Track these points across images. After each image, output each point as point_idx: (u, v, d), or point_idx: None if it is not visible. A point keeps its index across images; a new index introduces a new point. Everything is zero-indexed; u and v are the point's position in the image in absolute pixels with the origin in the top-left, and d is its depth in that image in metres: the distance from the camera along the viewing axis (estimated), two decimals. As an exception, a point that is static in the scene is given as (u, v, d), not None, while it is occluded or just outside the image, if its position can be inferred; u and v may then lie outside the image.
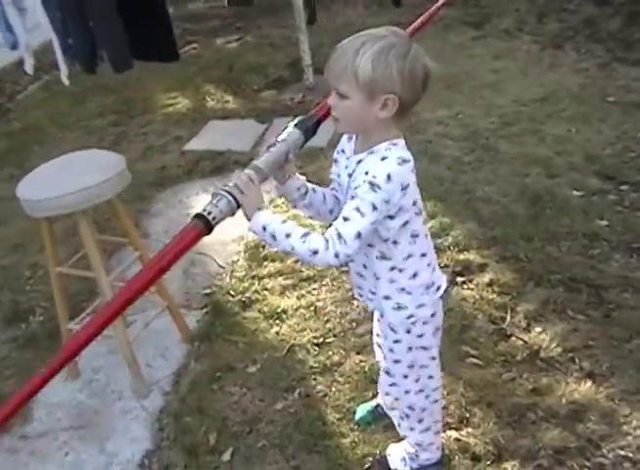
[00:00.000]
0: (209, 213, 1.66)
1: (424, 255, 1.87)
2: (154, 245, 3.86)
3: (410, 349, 1.98)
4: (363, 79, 1.63)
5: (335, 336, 2.93)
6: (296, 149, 1.86)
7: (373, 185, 1.65)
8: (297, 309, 3.11)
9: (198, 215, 1.66)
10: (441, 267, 3.17)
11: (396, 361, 2.03)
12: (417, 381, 2.06)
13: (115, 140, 5.28)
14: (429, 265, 1.90)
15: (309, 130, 1.88)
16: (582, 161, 4.01)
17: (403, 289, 1.88)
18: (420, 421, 2.17)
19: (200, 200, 4.28)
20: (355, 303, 3.08)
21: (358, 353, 2.81)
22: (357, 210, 1.67)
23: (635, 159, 3.98)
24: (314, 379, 2.72)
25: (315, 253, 1.68)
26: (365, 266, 1.91)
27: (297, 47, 5.57)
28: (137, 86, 6.10)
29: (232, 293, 3.31)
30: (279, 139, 1.85)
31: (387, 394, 2.15)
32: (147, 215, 4.20)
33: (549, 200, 3.64)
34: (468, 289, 3.08)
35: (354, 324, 2.98)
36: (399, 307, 1.91)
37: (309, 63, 5.55)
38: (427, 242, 1.89)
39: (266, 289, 3.29)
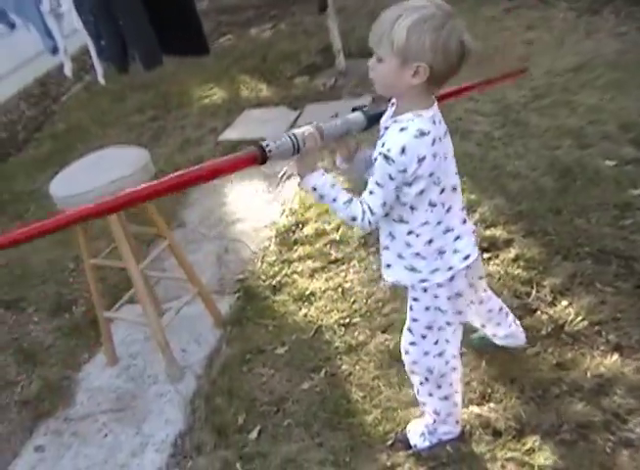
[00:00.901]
0: (267, 146, 1.85)
1: (439, 223, 1.97)
2: (190, 234, 3.97)
3: (427, 308, 2.10)
4: (397, 46, 1.76)
5: (361, 316, 2.96)
6: (357, 130, 2.05)
7: (387, 158, 1.81)
8: (324, 291, 3.16)
9: (257, 145, 1.85)
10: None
11: (415, 320, 2.14)
12: (436, 343, 2.15)
13: (154, 134, 5.40)
14: (445, 233, 1.99)
15: (373, 118, 2.04)
16: (616, 129, 3.89)
17: (418, 254, 2.01)
18: (439, 387, 2.22)
19: (234, 188, 4.35)
20: (382, 283, 3.11)
21: (384, 332, 2.84)
22: (377, 183, 1.86)
23: (673, 124, 3.85)
24: (340, 359, 2.76)
25: (354, 219, 1.92)
26: (391, 231, 2.03)
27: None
28: (173, 81, 6.20)
29: (263, 277, 3.37)
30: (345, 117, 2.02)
31: (406, 352, 2.22)
32: (183, 206, 4.29)
33: (579, 171, 3.57)
34: (494, 265, 3.06)
35: (380, 304, 3.00)
36: (413, 270, 2.03)
37: (340, 47, 5.56)
38: (445, 211, 1.97)
39: (296, 272, 3.35)
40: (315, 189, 1.93)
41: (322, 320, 2.99)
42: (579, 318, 2.70)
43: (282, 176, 4.30)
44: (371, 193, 1.88)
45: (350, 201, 1.90)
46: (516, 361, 2.57)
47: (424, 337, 2.15)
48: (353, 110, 2.10)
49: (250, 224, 3.93)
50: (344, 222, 2.14)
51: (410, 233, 1.98)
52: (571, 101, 4.25)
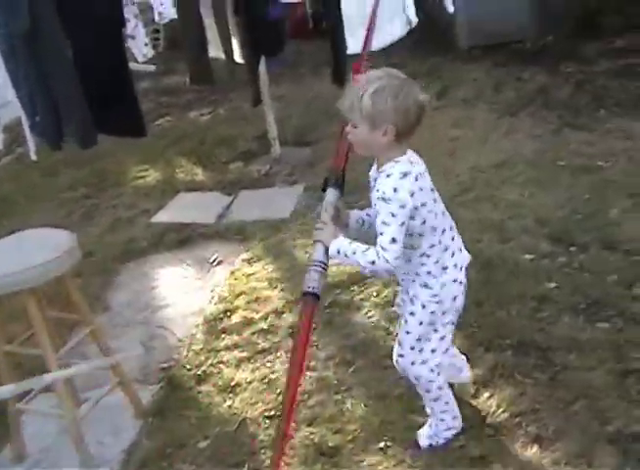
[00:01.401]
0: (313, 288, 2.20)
1: (440, 243, 2.39)
2: (115, 319, 3.92)
3: (421, 323, 2.46)
4: (365, 113, 2.16)
5: (286, 408, 2.96)
6: (339, 200, 2.46)
7: (385, 200, 2.20)
8: (250, 382, 3.15)
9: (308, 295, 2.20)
10: (393, 336, 3.27)
11: (408, 332, 2.50)
12: (420, 352, 2.50)
13: (85, 213, 5.37)
14: (445, 251, 2.41)
15: (339, 184, 2.49)
16: (534, 224, 4.11)
17: (430, 272, 2.40)
18: (428, 391, 2.59)
19: (164, 273, 4.35)
20: (309, 374, 3.13)
21: (309, 425, 2.84)
22: (383, 222, 2.21)
23: (583, 220, 4.10)
24: (264, 453, 2.74)
25: (373, 263, 2.23)
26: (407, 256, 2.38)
27: (266, 120, 5.73)
28: (109, 159, 6.21)
29: (188, 366, 3.35)
30: (325, 201, 2.44)
31: (396, 362, 2.59)
32: (111, 288, 4.25)
33: (500, 264, 3.73)
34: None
35: (306, 396, 3.01)
36: (426, 286, 2.42)
37: (275, 135, 5.70)
38: (441, 233, 2.39)
39: (222, 362, 3.34)
40: (339, 251, 2.27)
41: (247, 412, 2.98)
42: (501, 410, 2.78)
43: (212, 262, 4.32)
44: (381, 234, 2.22)
45: (367, 249, 2.24)
46: (438, 455, 2.60)
47: (412, 348, 2.51)
48: (323, 190, 2.50)
49: (177, 310, 3.92)
50: (369, 272, 2.38)
51: (422, 255, 2.38)
52: (494, 196, 4.44)
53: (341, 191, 2.48)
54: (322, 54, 6.07)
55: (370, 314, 3.51)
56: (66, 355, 2.85)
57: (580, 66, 7.06)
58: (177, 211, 5.17)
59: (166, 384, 3.27)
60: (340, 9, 4.36)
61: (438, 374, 2.56)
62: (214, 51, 4.65)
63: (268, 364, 3.27)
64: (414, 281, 2.45)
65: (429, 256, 2.38)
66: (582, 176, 4.66)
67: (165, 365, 3.41)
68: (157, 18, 4.88)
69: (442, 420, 2.66)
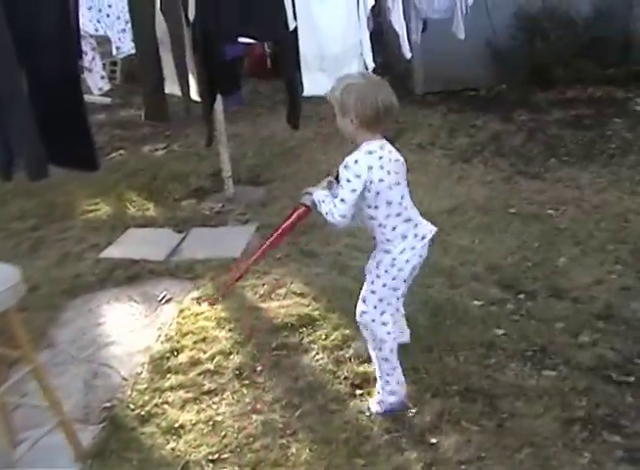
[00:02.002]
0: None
1: (399, 214, 2.79)
2: (58, 356, 3.82)
3: (384, 285, 2.89)
4: (337, 104, 2.71)
5: (231, 452, 2.91)
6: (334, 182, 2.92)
7: (345, 167, 2.70)
8: (195, 424, 3.09)
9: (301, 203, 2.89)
10: (341, 379, 3.26)
11: (372, 292, 2.92)
12: (382, 314, 2.92)
13: (33, 245, 5.25)
14: (406, 221, 2.81)
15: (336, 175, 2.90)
16: (484, 270, 4.18)
17: (389, 240, 2.83)
18: (380, 349, 2.96)
19: (111, 309, 4.27)
20: (254, 417, 3.09)
21: (253, 469, 2.80)
22: (340, 186, 2.73)
23: (532, 268, 4.18)
24: (206, 497, 2.69)
25: (327, 213, 2.76)
26: (369, 226, 2.87)
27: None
28: (60, 191, 6.11)
29: (132, 406, 3.26)
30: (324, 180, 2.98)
31: (360, 317, 2.98)
32: (56, 324, 4.14)
33: (450, 310, 3.76)
34: (366, 401, 3.12)
35: (251, 439, 2.96)
36: (386, 251, 2.85)
37: (229, 174, 5.70)
38: (402, 206, 2.79)
39: (167, 402, 3.26)
40: (318, 200, 2.80)
41: (190, 455, 2.91)
42: (447, 457, 2.77)
43: (161, 300, 4.25)
44: (336, 196, 2.74)
45: (330, 202, 2.75)
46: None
47: (375, 307, 2.92)
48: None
49: (123, 348, 3.83)
50: (329, 222, 2.82)
51: (380, 225, 2.81)
52: (445, 241, 4.48)
53: (337, 178, 2.87)
54: (279, 93, 6.15)
55: (318, 357, 3.48)
56: (4, 393, 2.75)
57: (533, 114, 7.27)
58: (127, 246, 5.09)
59: (109, 424, 3.17)
60: (297, 51, 4.40)
61: (394, 339, 2.97)
62: (171, 87, 4.63)
63: (214, 406, 3.21)
64: (378, 248, 2.89)
65: (385, 225, 2.80)
66: (532, 224, 4.75)
67: (108, 404, 3.32)
68: (114, 52, 4.87)
69: (388, 382, 3.00)
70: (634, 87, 7.59)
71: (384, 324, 2.93)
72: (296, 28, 4.29)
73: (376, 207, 2.77)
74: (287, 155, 6.58)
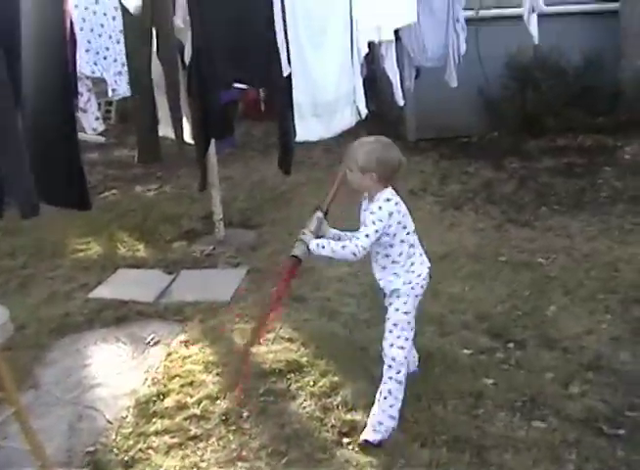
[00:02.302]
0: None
1: (409, 248, 3.22)
2: (43, 397, 3.77)
3: (397, 310, 3.22)
4: (359, 164, 3.09)
5: (215, 499, 2.87)
6: (323, 219, 3.27)
7: (372, 213, 3.08)
8: (179, 470, 3.05)
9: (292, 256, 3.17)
10: (328, 427, 3.23)
11: (388, 318, 3.25)
12: (398, 338, 3.21)
13: (22, 283, 5.22)
14: (409, 258, 3.22)
15: (326, 210, 3.30)
16: (474, 319, 4.17)
17: (396, 273, 3.21)
18: (398, 373, 3.20)
19: (98, 350, 4.23)
20: (240, 464, 3.04)
21: (237, 519, 2.75)
22: (365, 225, 3.10)
23: (522, 317, 4.18)
24: None
25: (343, 247, 3.06)
26: (381, 264, 3.24)
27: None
28: (51, 228, 6.10)
29: (116, 451, 3.21)
30: (313, 216, 3.27)
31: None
32: (41, 364, 4.09)
33: (439, 358, 3.74)
34: (352, 451, 3.08)
35: (236, 487, 2.93)
36: (392, 282, 3.24)
37: (220, 217, 5.71)
38: (409, 246, 3.21)
39: (151, 447, 3.21)
40: (318, 245, 3.11)
41: (173, 503, 2.86)
42: (433, 510, 2.73)
43: (149, 342, 4.22)
44: (357, 238, 3.07)
45: (345, 246, 3.07)
46: None
47: (390, 332, 3.23)
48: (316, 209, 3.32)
49: (109, 390, 3.79)
50: (339, 257, 3.11)
51: (393, 262, 3.20)
52: (435, 289, 4.46)
53: (325, 214, 3.28)
54: (272, 137, 6.19)
55: (305, 404, 3.44)
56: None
57: (524, 162, 7.35)
58: (116, 287, 5.07)
59: (92, 469, 3.12)
60: (290, 96, 4.44)
61: (408, 363, 3.29)
62: (165, 130, 4.67)
63: (199, 452, 3.16)
64: (390, 281, 3.24)
65: (398, 262, 3.20)
66: (523, 272, 4.76)
67: (92, 449, 3.26)
68: (110, 93, 4.90)
69: (392, 406, 3.20)
70: (623, 136, 7.69)
71: (401, 348, 3.21)
72: (290, 74, 4.33)
73: (391, 245, 3.17)
74: (278, 199, 6.61)
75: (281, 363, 3.79)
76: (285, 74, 4.23)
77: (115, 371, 3.98)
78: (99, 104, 6.00)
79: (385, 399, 3.19)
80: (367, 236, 3.07)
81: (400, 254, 3.19)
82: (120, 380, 3.87)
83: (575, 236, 5.43)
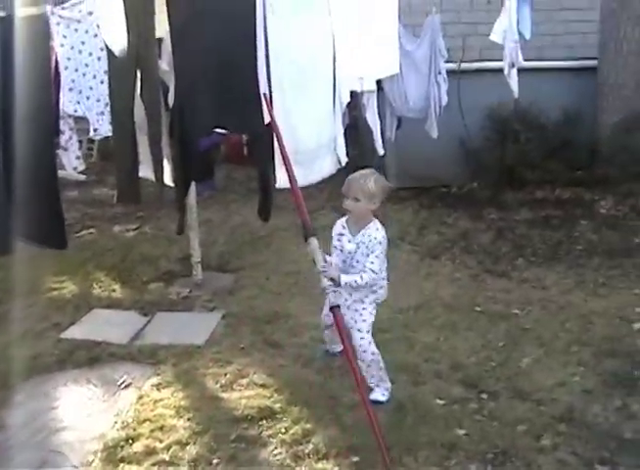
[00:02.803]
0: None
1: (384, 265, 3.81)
2: (7, 440, 3.69)
3: (371, 313, 3.81)
4: (369, 193, 3.60)
5: None
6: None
7: (380, 243, 3.65)
8: (143, 520, 2.99)
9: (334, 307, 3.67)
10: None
11: (364, 320, 3.78)
12: (370, 334, 3.78)
13: (-6, 320, 5.17)
14: (383, 279, 3.85)
15: (315, 234, 3.84)
16: (448, 368, 4.16)
17: (376, 284, 3.77)
18: (377, 362, 3.79)
19: (68, 392, 4.16)
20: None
21: None
22: (376, 256, 3.64)
23: (496, 368, 4.18)
24: None
25: (362, 278, 3.61)
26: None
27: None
28: (27, 266, 6.03)
29: (79, 497, 3.16)
30: (314, 246, 3.80)
31: (360, 345, 3.76)
32: (8, 406, 4.02)
33: (412, 408, 3.72)
34: (322, 500, 3.05)
35: None
36: (373, 291, 3.80)
37: (199, 260, 5.70)
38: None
39: (117, 494, 3.16)
40: (346, 282, 3.60)
41: None
42: None
43: (120, 384, 4.16)
44: (372, 262, 3.63)
45: (362, 276, 3.61)
46: None
47: (368, 331, 3.77)
48: (305, 239, 3.87)
49: (76, 434, 3.71)
50: (358, 284, 3.63)
51: (376, 276, 3.68)
52: (410, 338, 4.49)
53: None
54: (253, 181, 6.20)
55: (276, 452, 3.40)
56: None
57: (502, 213, 7.42)
58: (90, 327, 5.01)
59: (54, 516, 3.06)
60: (272, 144, 4.47)
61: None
62: (145, 171, 4.68)
63: (165, 500, 3.11)
64: (366, 290, 3.76)
65: (380, 275, 3.74)
66: (498, 323, 4.78)
67: (54, 496, 3.20)
68: (92, 133, 4.93)
69: (382, 379, 3.84)
70: (600, 190, 7.78)
71: (372, 343, 3.78)
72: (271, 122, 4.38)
73: (380, 267, 3.69)
74: (257, 243, 6.61)
75: (253, 409, 3.76)
76: (266, 122, 4.27)
77: (85, 414, 3.92)
78: (80, 141, 6.01)
79: (378, 379, 3.84)
80: (378, 266, 3.66)
81: (381, 269, 3.74)
82: (89, 423, 3.81)
83: (551, 288, 5.47)
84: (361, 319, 3.76)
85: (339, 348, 4.09)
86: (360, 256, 3.69)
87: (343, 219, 3.80)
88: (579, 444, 3.43)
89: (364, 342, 3.75)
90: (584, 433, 3.52)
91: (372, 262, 3.61)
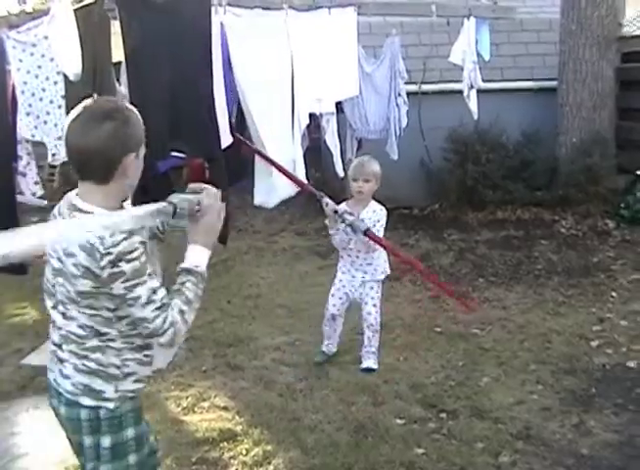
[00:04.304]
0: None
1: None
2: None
3: (379, 288, 4.47)
4: (378, 173, 4.36)
5: None
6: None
7: (385, 215, 4.38)
8: None
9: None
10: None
11: (377, 294, 4.48)
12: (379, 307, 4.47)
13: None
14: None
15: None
16: (407, 389, 4.21)
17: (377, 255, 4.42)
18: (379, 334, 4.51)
19: (29, 418, 4.12)
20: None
21: None
22: (382, 225, 4.36)
23: (455, 387, 4.24)
24: None
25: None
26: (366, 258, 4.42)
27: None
28: (-13, 292, 6.01)
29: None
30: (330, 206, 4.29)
31: (374, 318, 4.47)
32: (-33, 434, 3.99)
33: (372, 428, 3.76)
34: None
35: None
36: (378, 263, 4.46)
37: (160, 283, 5.66)
38: None
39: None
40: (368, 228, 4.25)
41: None
42: None
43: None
44: (378, 231, 4.31)
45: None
46: None
47: (379, 305, 4.46)
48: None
49: (37, 460, 3.69)
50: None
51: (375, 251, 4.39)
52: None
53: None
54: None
55: (237, 475, 3.41)
56: None
57: (463, 234, 7.50)
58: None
59: None
60: (232, 166, 4.49)
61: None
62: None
63: (124, 526, 3.07)
64: (375, 262, 4.42)
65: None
66: (458, 343, 4.84)
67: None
68: (50, 158, 4.91)
69: (377, 352, 4.46)
70: (560, 210, 7.91)
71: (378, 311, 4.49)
72: (229, 145, 4.41)
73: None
74: (219, 266, 6.60)
75: (214, 432, 3.76)
76: (224, 146, 4.29)
77: (46, 440, 3.88)
78: (40, 166, 5.98)
79: (375, 346, 4.48)
80: (378, 231, 4.27)
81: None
82: (50, 449, 3.77)
83: (511, 307, 5.55)
84: (376, 295, 4.44)
85: (334, 348, 4.63)
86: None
87: (343, 204, 4.39)
88: (537, 460, 3.48)
89: (377, 314, 4.43)
90: (542, 450, 3.58)
91: (378, 231, 4.25)
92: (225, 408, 4.03)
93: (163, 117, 3.84)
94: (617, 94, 8.32)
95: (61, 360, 2.27)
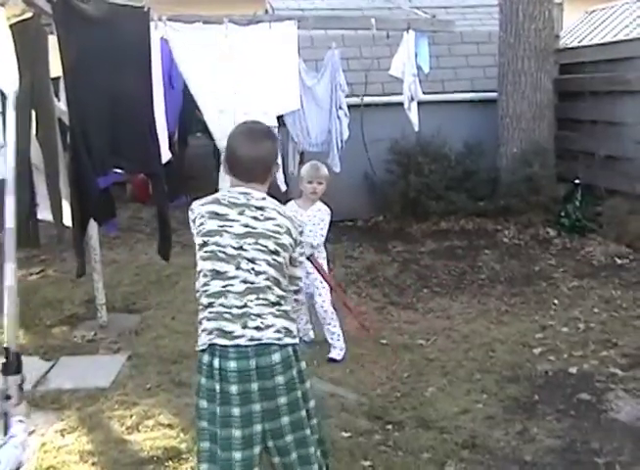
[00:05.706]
0: None
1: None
2: None
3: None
4: (328, 176, 4.88)
5: None
6: None
7: (329, 214, 4.87)
8: None
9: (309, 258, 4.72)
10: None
11: (324, 286, 4.82)
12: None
13: None
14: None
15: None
16: (353, 401, 4.20)
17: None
18: (337, 320, 4.88)
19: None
20: None
21: None
22: (325, 224, 4.82)
23: (400, 398, 4.25)
24: None
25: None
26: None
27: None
28: None
29: None
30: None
31: (322, 307, 4.84)
32: None
33: (318, 442, 3.73)
34: None
35: None
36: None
37: (103, 301, 5.60)
38: None
39: None
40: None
41: None
42: None
43: (20, 433, 4.03)
44: (322, 229, 4.84)
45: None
46: None
47: (327, 294, 4.82)
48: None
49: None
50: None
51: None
52: (316, 372, 4.49)
53: None
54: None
55: (182, 493, 3.36)
56: None
57: (407, 245, 7.57)
58: (-10, 376, 4.84)
59: None
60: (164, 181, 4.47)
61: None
62: (43, 213, 4.59)
63: None
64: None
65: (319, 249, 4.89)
66: (403, 354, 4.86)
67: None
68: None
69: (339, 336, 4.85)
70: (503, 219, 8.04)
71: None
72: (169, 161, 4.38)
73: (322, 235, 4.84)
74: (163, 282, 6.54)
75: (159, 450, 3.70)
76: (164, 161, 4.26)
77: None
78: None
79: (337, 336, 4.84)
80: (322, 229, 4.81)
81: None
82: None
83: (455, 317, 5.61)
84: (322, 286, 4.80)
85: (307, 338, 5.03)
86: (312, 225, 4.66)
87: (292, 202, 4.80)
88: (482, 469, 3.51)
89: (325, 304, 4.80)
90: (487, 458, 3.61)
91: (322, 228, 4.75)
92: (170, 426, 3.97)
93: (103, 132, 3.80)
94: (556, 105, 8.53)
95: (255, 316, 2.58)
